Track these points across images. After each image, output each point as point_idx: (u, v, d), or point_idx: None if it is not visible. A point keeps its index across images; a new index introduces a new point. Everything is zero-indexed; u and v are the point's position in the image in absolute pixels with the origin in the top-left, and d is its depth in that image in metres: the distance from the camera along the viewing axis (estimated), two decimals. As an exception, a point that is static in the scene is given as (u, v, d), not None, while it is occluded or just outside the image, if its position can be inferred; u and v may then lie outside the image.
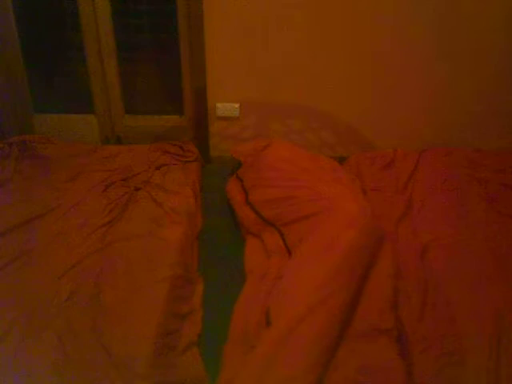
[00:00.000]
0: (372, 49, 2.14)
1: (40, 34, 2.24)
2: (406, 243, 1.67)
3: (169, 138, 2.37)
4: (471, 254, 1.59)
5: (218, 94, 2.25)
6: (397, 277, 1.50)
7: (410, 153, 2.20)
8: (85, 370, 1.20)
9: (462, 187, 1.96)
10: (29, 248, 1.61)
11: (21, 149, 2.18)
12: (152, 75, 2.38)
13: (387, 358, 1.28)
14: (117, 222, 1.77)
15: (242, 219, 1.81)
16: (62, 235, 1.68)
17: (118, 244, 1.65)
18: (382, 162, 2.17)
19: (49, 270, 1.52)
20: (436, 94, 2.25)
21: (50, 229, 1.71)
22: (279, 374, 1.13)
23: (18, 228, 1.70)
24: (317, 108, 2.27)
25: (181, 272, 1.54)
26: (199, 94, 2.25)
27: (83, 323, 1.33)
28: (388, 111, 2.30)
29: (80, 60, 2.25)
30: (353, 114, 2.30)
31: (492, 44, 2.12)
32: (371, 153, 2.25)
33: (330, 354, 1.22)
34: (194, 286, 1.56)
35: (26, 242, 1.64)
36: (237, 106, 2.28)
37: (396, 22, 2.08)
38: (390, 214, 1.82)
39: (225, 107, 2.28)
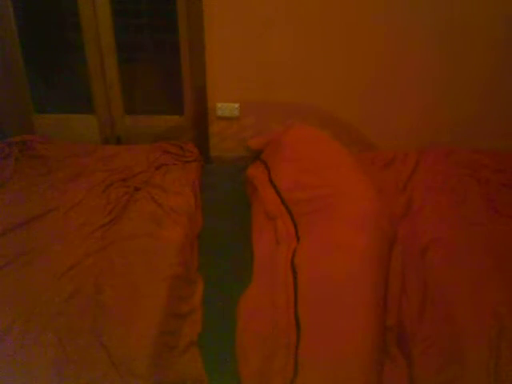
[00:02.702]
0: (372, 49, 2.14)
1: (40, 34, 2.24)
2: (406, 243, 1.67)
3: (169, 138, 2.37)
4: (471, 253, 1.59)
5: (217, 93, 2.25)
6: (402, 274, 1.52)
7: (410, 153, 2.20)
8: (85, 370, 1.20)
9: (462, 187, 1.96)
10: (29, 248, 1.60)
11: (21, 149, 2.18)
12: (152, 75, 2.38)
13: (390, 355, 1.29)
14: (117, 222, 1.77)
15: (262, 198, 1.81)
16: (61, 235, 1.68)
17: (118, 244, 1.65)
18: (382, 162, 2.17)
19: (49, 269, 1.51)
20: (436, 94, 2.25)
21: (50, 229, 1.71)
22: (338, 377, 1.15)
23: (18, 228, 1.70)
24: (317, 108, 2.28)
25: (181, 272, 1.54)
26: (199, 93, 2.25)
27: (83, 323, 1.33)
28: (388, 111, 2.30)
29: (80, 60, 2.25)
30: (353, 113, 2.30)
31: (492, 44, 2.12)
32: (371, 153, 2.25)
33: (378, 353, 1.24)
34: (193, 286, 1.56)
35: (25, 241, 1.64)
36: (237, 106, 2.28)
37: (396, 24, 2.08)
38: (390, 213, 1.82)
39: (225, 107, 2.28)
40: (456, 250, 1.61)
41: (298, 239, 1.56)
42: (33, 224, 1.73)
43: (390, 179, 2.04)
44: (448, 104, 2.28)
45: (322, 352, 1.20)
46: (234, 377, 1.29)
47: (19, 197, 1.88)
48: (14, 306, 1.37)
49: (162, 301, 1.39)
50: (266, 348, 1.27)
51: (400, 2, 2.03)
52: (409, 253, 1.62)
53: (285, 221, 1.68)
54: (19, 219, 1.73)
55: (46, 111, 2.39)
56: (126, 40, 2.23)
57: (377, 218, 1.56)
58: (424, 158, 2.16)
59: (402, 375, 1.26)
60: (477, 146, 2.31)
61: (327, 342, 1.22)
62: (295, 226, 1.63)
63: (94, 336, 1.29)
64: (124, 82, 2.32)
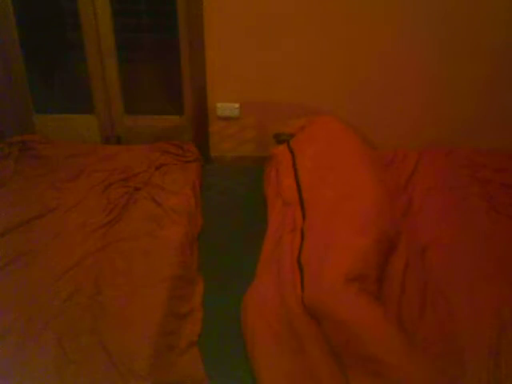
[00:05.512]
0: (372, 49, 2.14)
1: (40, 33, 2.24)
2: (406, 243, 1.67)
3: (169, 138, 2.37)
4: (471, 253, 1.59)
5: (218, 93, 2.25)
6: (405, 271, 1.53)
7: (410, 153, 2.20)
8: (85, 370, 1.20)
9: (462, 187, 1.96)
10: (29, 248, 1.61)
11: (21, 149, 2.18)
12: (152, 75, 2.38)
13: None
14: (117, 222, 1.77)
15: (281, 182, 1.85)
16: (61, 235, 1.68)
17: (118, 244, 1.65)
18: (382, 161, 2.17)
19: (49, 269, 1.52)
20: (436, 94, 2.25)
21: (49, 229, 1.71)
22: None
23: (17, 228, 1.70)
24: (317, 108, 2.27)
25: (181, 272, 1.54)
26: (199, 93, 2.25)
27: (83, 323, 1.33)
28: (388, 111, 2.30)
29: (80, 60, 2.25)
30: (353, 113, 2.29)
31: (492, 44, 2.12)
32: (371, 153, 2.25)
33: None
34: (193, 286, 1.56)
35: (26, 241, 1.64)
36: (237, 105, 2.27)
37: (396, 24, 2.08)
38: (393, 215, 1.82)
39: (225, 107, 2.28)
40: (456, 249, 1.61)
41: (303, 235, 1.56)
42: (33, 224, 1.73)
43: (390, 179, 2.04)
44: (448, 104, 2.28)
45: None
46: (234, 377, 1.29)
47: (19, 197, 1.88)
48: (14, 306, 1.37)
49: (161, 301, 1.39)
50: (284, 347, 1.30)
51: (401, 3, 2.03)
52: (409, 253, 1.62)
53: (296, 210, 1.69)
54: (19, 219, 1.73)
55: (46, 111, 2.39)
56: (126, 40, 2.23)
57: (378, 219, 1.57)
58: (424, 157, 2.16)
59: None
60: (477, 145, 2.31)
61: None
62: (304, 218, 1.64)
63: (94, 336, 1.29)
64: (124, 82, 2.32)
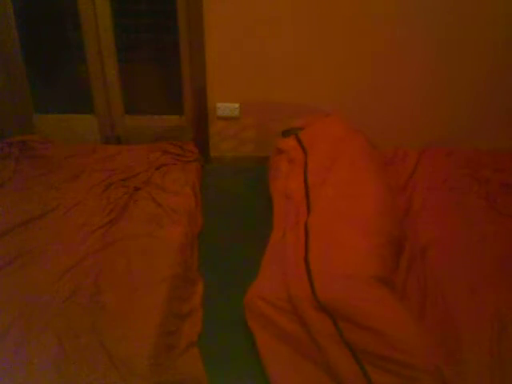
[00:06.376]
0: (372, 48, 2.14)
1: (40, 33, 2.24)
2: (406, 243, 1.67)
3: (169, 138, 2.37)
4: (471, 253, 1.59)
5: (218, 93, 2.25)
6: (407, 271, 1.53)
7: (410, 152, 2.20)
8: (85, 370, 1.20)
9: (461, 187, 1.96)
10: (29, 248, 1.61)
11: (21, 149, 2.18)
12: (152, 75, 2.38)
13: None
14: (117, 222, 1.77)
15: (291, 183, 1.85)
16: (61, 235, 1.68)
17: (118, 244, 1.65)
18: (383, 161, 2.16)
19: (49, 270, 1.51)
20: (436, 93, 2.25)
21: (50, 229, 1.71)
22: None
23: (17, 228, 1.70)
24: (317, 107, 2.27)
25: (181, 272, 1.54)
26: (199, 93, 2.25)
27: (83, 323, 1.33)
28: (388, 111, 2.30)
29: (80, 60, 2.25)
30: (352, 113, 2.29)
31: (491, 45, 2.12)
32: (371, 153, 2.25)
33: None
34: (193, 286, 1.56)
35: (25, 241, 1.64)
36: (237, 105, 2.28)
37: (397, 24, 2.08)
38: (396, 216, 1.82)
39: (225, 107, 2.28)
40: (456, 249, 1.61)
41: (307, 233, 1.56)
42: (33, 224, 1.73)
43: (390, 179, 2.04)
44: (448, 104, 2.28)
45: None
46: (234, 377, 1.29)
47: (19, 197, 1.88)
48: (14, 306, 1.37)
49: (161, 301, 1.39)
50: (295, 345, 1.30)
51: (400, 3, 2.03)
52: (410, 253, 1.62)
53: (301, 206, 1.70)
54: (19, 219, 1.73)
55: (46, 111, 2.39)
56: (126, 40, 2.23)
57: (379, 220, 1.57)
58: (424, 157, 2.16)
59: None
60: (477, 146, 2.31)
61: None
62: (308, 213, 1.64)
63: (94, 336, 1.29)
64: (124, 82, 2.32)
